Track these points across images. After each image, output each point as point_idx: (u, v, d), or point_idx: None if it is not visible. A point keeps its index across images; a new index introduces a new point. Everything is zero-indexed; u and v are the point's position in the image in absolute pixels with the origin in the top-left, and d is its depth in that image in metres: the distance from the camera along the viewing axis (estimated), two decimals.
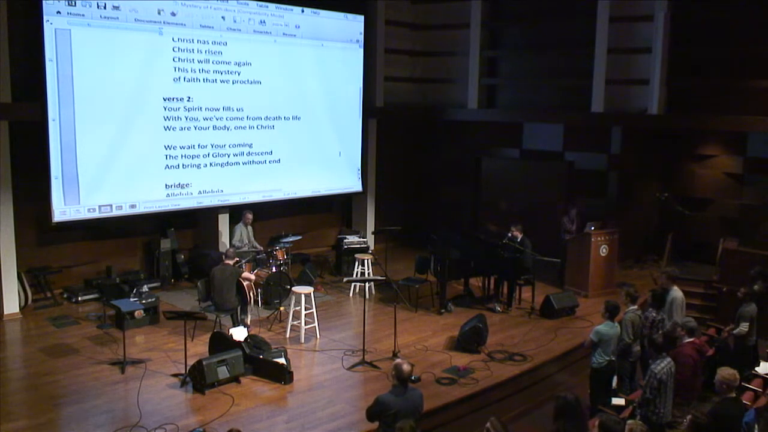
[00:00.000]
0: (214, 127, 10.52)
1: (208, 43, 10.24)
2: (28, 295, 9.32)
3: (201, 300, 8.78)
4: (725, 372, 5.61)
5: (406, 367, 5.13)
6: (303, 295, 8.53)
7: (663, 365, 6.05)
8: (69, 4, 8.81)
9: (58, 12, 8.75)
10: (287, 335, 8.60)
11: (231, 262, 8.54)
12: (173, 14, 9.82)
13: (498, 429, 4.54)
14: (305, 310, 8.54)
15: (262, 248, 10.42)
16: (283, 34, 11.23)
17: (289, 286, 9.50)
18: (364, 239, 11.91)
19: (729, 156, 11.92)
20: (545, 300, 9.70)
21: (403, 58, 14.03)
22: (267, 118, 11.20)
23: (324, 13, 11.76)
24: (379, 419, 5.15)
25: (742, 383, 6.41)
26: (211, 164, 10.56)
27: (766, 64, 11.11)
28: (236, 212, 10.87)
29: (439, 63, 14.15)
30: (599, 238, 10.38)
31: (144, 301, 8.85)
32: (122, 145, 9.60)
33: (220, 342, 7.66)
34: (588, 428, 4.93)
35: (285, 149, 11.50)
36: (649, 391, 6.02)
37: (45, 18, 8.65)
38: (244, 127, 10.90)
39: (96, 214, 9.50)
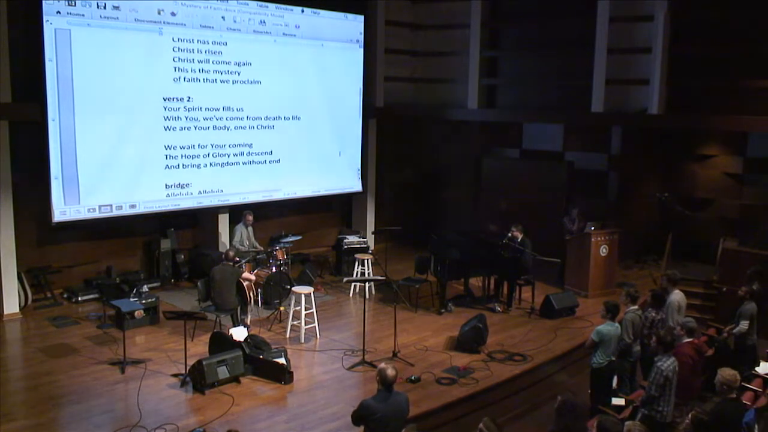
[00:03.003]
0: (214, 127, 10.51)
1: (208, 43, 10.23)
2: (28, 295, 9.32)
3: (201, 300, 8.78)
4: (726, 373, 5.61)
5: (390, 371, 5.10)
6: (303, 295, 8.53)
7: (669, 363, 6.05)
8: (69, 4, 8.81)
9: (58, 12, 8.75)
10: (287, 335, 8.60)
11: (231, 263, 8.54)
12: (173, 14, 9.82)
13: (491, 429, 4.53)
14: (305, 310, 8.54)
15: (262, 248, 10.41)
16: (283, 34, 11.22)
17: (289, 286, 9.50)
18: (364, 239, 11.90)
19: (729, 156, 11.92)
20: (545, 300, 9.70)
21: (403, 58, 14.03)
22: (267, 118, 11.20)
23: (324, 13, 11.76)
24: (364, 423, 5.15)
25: (742, 383, 6.42)
26: (211, 164, 10.56)
27: (766, 64, 11.11)
28: (236, 212, 10.87)
29: (439, 63, 14.15)
30: (599, 238, 10.37)
31: (144, 301, 8.85)
32: (122, 145, 9.59)
33: (220, 342, 7.66)
34: (588, 429, 4.93)
35: (285, 149, 11.49)
36: (655, 389, 6.02)
37: (45, 18, 8.65)
38: (244, 127, 10.89)
39: (96, 214, 9.49)
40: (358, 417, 5.14)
